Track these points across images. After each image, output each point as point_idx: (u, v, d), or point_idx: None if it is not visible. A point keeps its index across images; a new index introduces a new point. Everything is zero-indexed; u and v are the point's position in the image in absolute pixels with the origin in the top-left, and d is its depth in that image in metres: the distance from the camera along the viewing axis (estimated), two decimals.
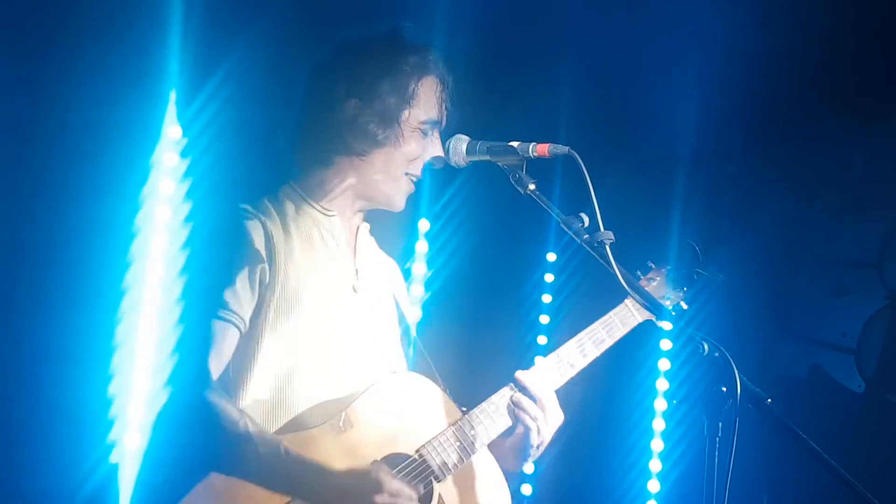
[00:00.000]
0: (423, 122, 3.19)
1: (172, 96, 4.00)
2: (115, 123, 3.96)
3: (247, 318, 3.02)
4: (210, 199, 3.94)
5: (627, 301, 3.45)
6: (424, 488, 3.07)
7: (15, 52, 3.86)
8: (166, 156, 4.04)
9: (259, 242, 3.05)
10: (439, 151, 3.22)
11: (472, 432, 3.16)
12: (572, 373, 3.36)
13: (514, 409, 3.24)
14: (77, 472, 3.81)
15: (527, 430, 3.23)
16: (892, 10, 4.72)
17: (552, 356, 3.36)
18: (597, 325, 3.41)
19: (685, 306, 3.52)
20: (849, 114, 5.27)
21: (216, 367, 2.98)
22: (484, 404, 3.23)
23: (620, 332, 3.44)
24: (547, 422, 3.25)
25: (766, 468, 4.96)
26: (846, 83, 5.11)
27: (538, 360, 3.35)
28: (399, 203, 3.25)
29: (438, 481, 3.09)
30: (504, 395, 3.26)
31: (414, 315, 3.48)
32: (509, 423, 3.25)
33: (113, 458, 3.83)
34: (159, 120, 4.02)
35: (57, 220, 3.91)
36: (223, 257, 3.03)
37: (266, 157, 3.46)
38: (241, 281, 3.01)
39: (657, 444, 5.41)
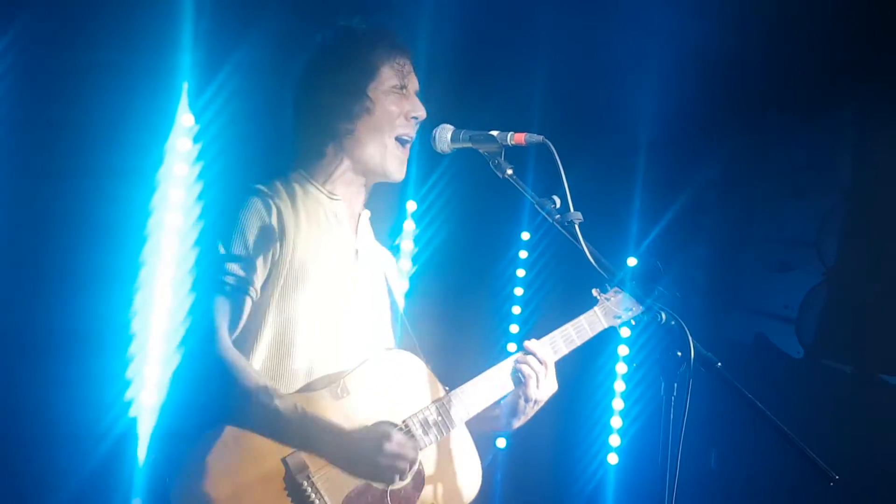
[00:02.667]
0: (391, 87, 3.18)
1: (185, 87, 4.00)
2: (133, 113, 3.97)
3: (258, 288, 3.02)
4: (220, 181, 3.94)
5: (596, 308, 3.47)
6: None
7: (43, 52, 3.87)
8: (180, 141, 4.04)
9: (272, 220, 3.03)
10: (418, 106, 3.20)
11: (454, 409, 3.15)
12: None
13: (517, 366, 3.24)
14: (99, 425, 3.82)
15: (525, 384, 3.23)
16: (826, 15, 4.73)
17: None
18: (567, 327, 3.41)
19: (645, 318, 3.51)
20: (790, 109, 5.28)
21: (229, 328, 2.97)
22: (467, 385, 3.22)
23: (588, 334, 3.42)
24: (546, 379, 3.24)
25: (715, 426, 4.97)
26: (788, 81, 5.13)
27: (531, 341, 3.34)
28: (394, 170, 3.21)
29: (419, 450, 3.10)
30: (498, 371, 3.26)
31: (402, 300, 3.47)
32: (489, 402, 3.24)
33: (132, 413, 3.85)
34: (173, 109, 4.02)
35: (80, 200, 3.92)
36: (239, 231, 3.00)
37: (272, 145, 3.45)
38: (256, 253, 2.99)
39: (618, 404, 5.43)
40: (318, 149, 3.20)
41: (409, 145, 3.23)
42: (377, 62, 3.18)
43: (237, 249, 2.98)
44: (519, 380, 3.25)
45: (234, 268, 2.97)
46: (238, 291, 2.97)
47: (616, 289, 3.46)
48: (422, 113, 3.21)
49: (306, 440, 2.92)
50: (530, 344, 3.29)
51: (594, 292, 3.44)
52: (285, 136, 3.23)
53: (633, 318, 3.45)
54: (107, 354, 3.87)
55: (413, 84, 3.24)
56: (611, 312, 3.43)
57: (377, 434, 2.97)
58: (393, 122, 3.18)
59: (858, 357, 5.13)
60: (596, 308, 3.45)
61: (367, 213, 3.31)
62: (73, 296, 3.86)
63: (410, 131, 3.21)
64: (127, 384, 3.89)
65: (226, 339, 2.94)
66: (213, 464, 2.86)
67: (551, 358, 3.29)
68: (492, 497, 4.88)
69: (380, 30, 3.24)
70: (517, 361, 3.26)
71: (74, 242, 3.91)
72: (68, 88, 3.92)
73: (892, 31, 4.78)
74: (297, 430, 2.91)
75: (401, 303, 3.41)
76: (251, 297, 3.00)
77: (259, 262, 2.99)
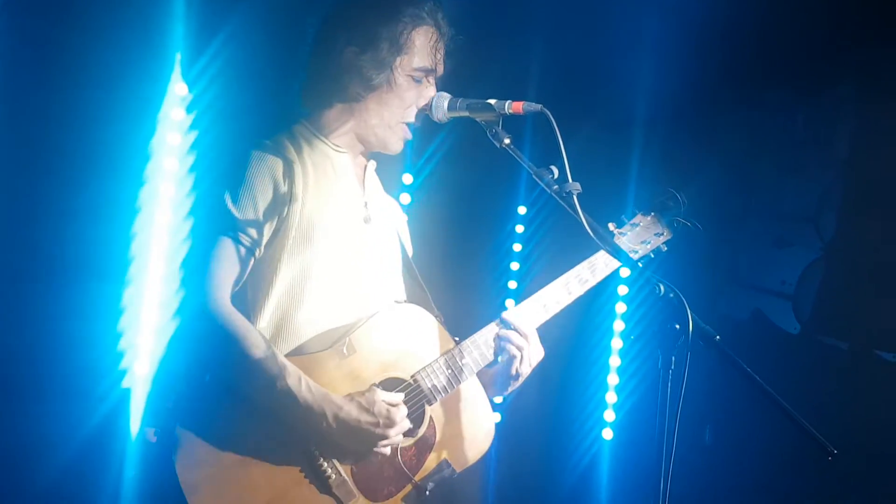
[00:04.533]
0: (416, 69, 3.10)
1: (178, 57, 3.96)
2: (126, 82, 3.93)
3: (263, 244, 2.96)
4: (212, 151, 3.89)
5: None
6: (417, 410, 3.04)
7: (34, 22, 3.83)
8: (173, 111, 4.00)
9: (280, 175, 2.98)
10: (429, 98, 3.14)
11: (463, 361, 3.13)
12: (558, 308, 3.29)
13: (500, 341, 3.20)
14: (91, 396, 3.80)
15: (511, 359, 3.18)
16: None
17: (539, 294, 3.28)
18: (582, 266, 3.34)
19: (665, 249, 3.45)
20: (790, 83, 5.26)
21: (231, 284, 2.93)
22: (475, 336, 3.19)
23: (603, 273, 3.35)
24: (530, 353, 3.20)
25: (710, 400, 4.97)
26: (787, 55, 5.09)
27: (525, 302, 3.27)
28: (394, 146, 3.18)
29: (430, 404, 3.07)
30: (492, 329, 3.22)
31: (412, 248, 3.42)
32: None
33: (125, 384, 3.83)
34: (166, 78, 3.97)
35: (73, 170, 3.89)
36: (247, 186, 2.95)
37: (273, 103, 3.40)
38: (262, 208, 2.95)
39: (613, 379, 5.42)
40: (327, 100, 3.14)
41: (410, 128, 3.18)
42: (414, 38, 3.10)
43: (244, 203, 2.94)
44: (503, 351, 3.19)
45: (241, 221, 2.92)
46: (241, 244, 2.93)
47: (633, 221, 3.41)
48: (427, 108, 3.14)
49: (310, 417, 2.88)
50: (508, 315, 3.22)
51: (610, 226, 3.38)
52: (292, 78, 3.16)
53: (652, 252, 3.39)
54: (100, 325, 3.85)
55: (440, 70, 3.18)
56: (626, 247, 3.36)
57: (374, 417, 2.92)
58: (403, 109, 3.12)
59: (855, 333, 5.12)
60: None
61: (373, 164, 3.27)
62: (66, 266, 3.84)
63: (415, 120, 3.16)
64: (120, 355, 3.86)
65: (226, 292, 2.90)
66: (219, 431, 2.84)
67: (531, 328, 3.22)
68: (486, 472, 4.86)
69: (429, 2, 3.15)
70: (499, 338, 3.19)
71: (66, 213, 3.87)
72: (60, 58, 3.88)
73: (891, 5, 4.73)
74: (300, 406, 2.87)
75: (410, 251, 3.37)
76: (253, 254, 2.95)
77: (266, 217, 2.96)
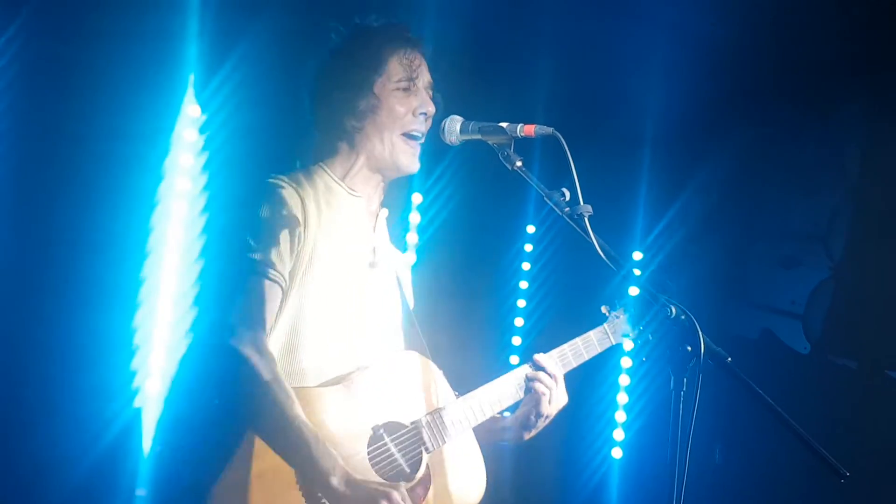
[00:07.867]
0: (397, 82, 3.16)
1: (191, 79, 4.00)
2: (139, 103, 3.97)
3: (287, 277, 2.99)
4: (225, 171, 3.93)
5: (605, 325, 3.47)
6: (415, 456, 3.07)
7: (50, 42, 3.88)
8: (186, 132, 4.03)
9: (296, 209, 3.01)
10: (426, 102, 3.19)
11: (463, 414, 3.16)
12: (575, 363, 3.38)
13: (528, 382, 3.25)
14: (103, 415, 3.82)
15: (539, 398, 3.24)
16: (835, 9, 4.71)
17: (562, 347, 3.36)
18: (577, 341, 3.41)
19: (650, 337, 3.51)
20: (801, 103, 5.27)
21: (268, 323, 2.94)
22: (476, 391, 3.22)
23: (596, 349, 3.44)
24: (558, 394, 3.26)
25: (719, 420, 4.96)
26: (796, 75, 5.11)
27: (554, 351, 3.34)
28: (406, 164, 3.20)
29: (428, 452, 3.09)
30: (507, 380, 3.26)
31: (413, 301, 3.45)
32: (495, 410, 3.24)
33: (137, 403, 3.85)
34: (179, 100, 4.01)
35: (87, 190, 3.91)
36: (266, 220, 2.97)
37: (288, 136, 3.44)
38: (284, 243, 2.97)
39: (622, 398, 5.42)
40: (333, 144, 3.20)
41: (420, 139, 3.21)
42: (386, 57, 3.17)
43: (269, 240, 2.95)
44: (530, 392, 3.24)
45: (270, 260, 2.94)
46: (275, 283, 2.95)
47: (615, 314, 3.51)
48: (430, 108, 3.19)
49: (317, 473, 2.88)
50: (540, 358, 3.29)
51: (603, 309, 3.49)
52: (304, 130, 3.22)
53: (635, 340, 3.49)
54: (112, 344, 3.87)
55: (423, 78, 3.22)
56: (619, 330, 3.49)
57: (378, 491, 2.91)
58: (399, 121, 3.16)
59: (865, 353, 5.11)
60: (605, 325, 3.48)
61: (384, 212, 3.30)
62: (79, 285, 3.86)
63: (420, 127, 3.19)
64: (132, 374, 3.88)
65: (263, 335, 2.91)
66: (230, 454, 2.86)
67: (560, 372, 3.28)
68: (496, 491, 4.87)
69: (392, 25, 3.23)
70: (528, 379, 3.25)
71: (80, 232, 3.90)
72: (75, 79, 3.92)
73: None
74: (312, 461, 2.87)
75: (411, 303, 3.40)
76: (282, 289, 2.98)
77: (287, 252, 2.98)
